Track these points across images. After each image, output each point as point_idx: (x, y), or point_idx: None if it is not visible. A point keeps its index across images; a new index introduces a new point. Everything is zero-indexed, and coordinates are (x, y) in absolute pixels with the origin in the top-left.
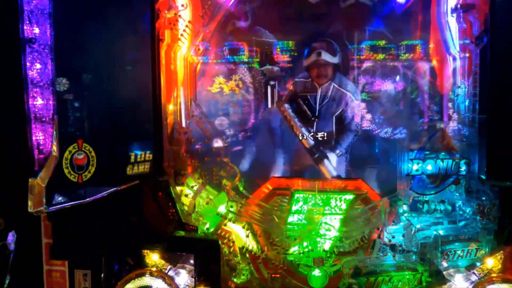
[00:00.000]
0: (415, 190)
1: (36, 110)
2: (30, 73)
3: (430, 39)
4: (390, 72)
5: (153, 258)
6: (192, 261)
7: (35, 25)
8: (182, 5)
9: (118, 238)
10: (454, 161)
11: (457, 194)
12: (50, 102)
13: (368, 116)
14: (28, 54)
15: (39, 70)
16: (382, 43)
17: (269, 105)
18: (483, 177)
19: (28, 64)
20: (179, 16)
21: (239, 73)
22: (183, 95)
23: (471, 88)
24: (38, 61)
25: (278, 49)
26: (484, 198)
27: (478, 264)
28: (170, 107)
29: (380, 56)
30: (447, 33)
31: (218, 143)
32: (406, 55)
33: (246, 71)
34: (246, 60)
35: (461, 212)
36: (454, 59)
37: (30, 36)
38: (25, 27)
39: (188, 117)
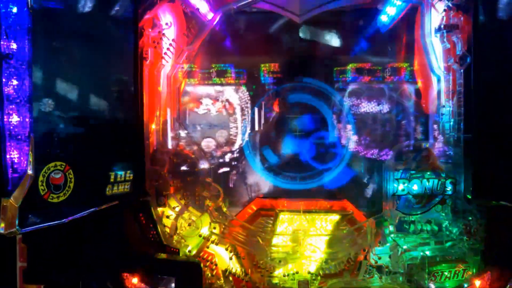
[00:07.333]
0: (401, 210)
1: (12, 127)
2: (6, 89)
3: (415, 60)
4: (376, 94)
5: (133, 281)
6: (173, 285)
7: (12, 41)
8: (166, 24)
9: (96, 260)
10: (440, 181)
11: (444, 214)
12: (27, 120)
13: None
14: (4, 70)
15: (15, 87)
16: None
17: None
18: (469, 196)
19: (4, 80)
20: (163, 34)
21: (226, 94)
22: (167, 114)
23: (456, 107)
24: (15, 77)
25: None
26: (470, 218)
27: (465, 285)
28: (153, 127)
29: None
30: (431, 54)
31: (202, 164)
32: (392, 77)
33: (233, 92)
34: (233, 81)
35: (447, 233)
36: (439, 79)
37: (7, 52)
38: (2, 42)
39: (171, 136)
